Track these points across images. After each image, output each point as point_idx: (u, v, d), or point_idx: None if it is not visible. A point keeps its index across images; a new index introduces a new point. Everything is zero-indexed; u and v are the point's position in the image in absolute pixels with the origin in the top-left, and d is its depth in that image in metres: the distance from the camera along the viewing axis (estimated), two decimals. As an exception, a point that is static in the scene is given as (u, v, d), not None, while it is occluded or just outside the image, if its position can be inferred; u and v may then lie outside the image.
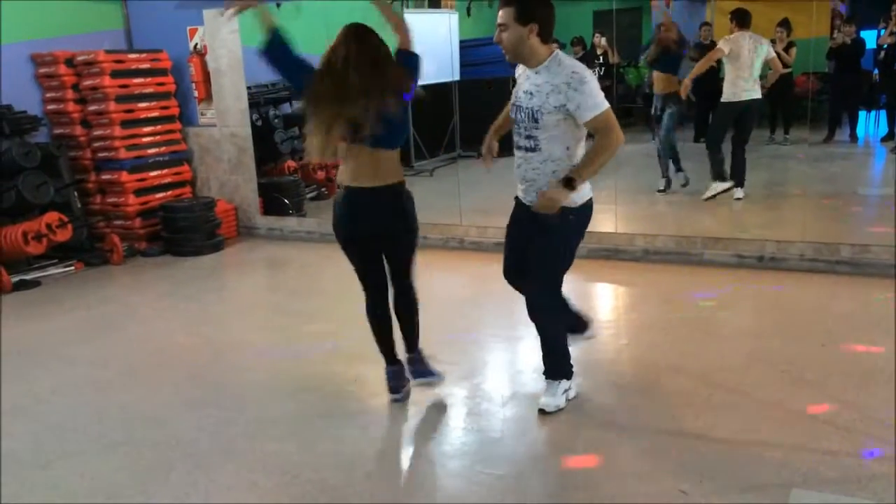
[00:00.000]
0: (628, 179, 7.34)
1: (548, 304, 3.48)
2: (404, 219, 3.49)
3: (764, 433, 3.27)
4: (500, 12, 3.18)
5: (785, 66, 8.06)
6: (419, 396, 3.81)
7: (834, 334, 4.34)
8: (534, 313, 3.49)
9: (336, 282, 5.92)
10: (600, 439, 3.33)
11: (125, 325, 5.23)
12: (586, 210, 3.34)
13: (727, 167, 7.08)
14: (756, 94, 7.01)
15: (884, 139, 8.57)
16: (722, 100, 7.04)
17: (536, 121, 3.20)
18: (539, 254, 3.39)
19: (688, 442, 3.25)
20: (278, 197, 7.62)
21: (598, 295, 5.56)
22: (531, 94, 3.23)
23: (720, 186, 7.06)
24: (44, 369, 4.45)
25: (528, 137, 3.26)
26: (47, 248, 6.23)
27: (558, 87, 3.14)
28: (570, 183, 3.13)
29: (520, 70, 3.39)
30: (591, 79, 3.14)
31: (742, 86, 6.94)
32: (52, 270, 6.48)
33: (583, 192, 3.27)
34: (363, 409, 3.74)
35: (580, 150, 3.27)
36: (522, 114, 3.26)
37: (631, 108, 9.98)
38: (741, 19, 6.95)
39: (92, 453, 3.43)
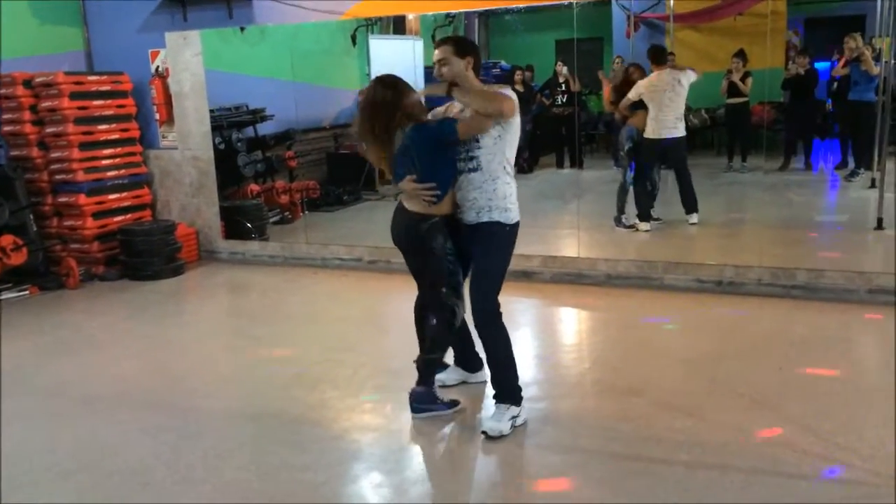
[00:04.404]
0: (591, 205, 7.44)
1: (492, 314, 3.59)
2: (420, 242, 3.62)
3: (723, 457, 3.31)
4: (438, 50, 3.54)
5: (742, 95, 8.26)
6: (380, 422, 3.79)
7: (791, 358, 4.41)
8: (479, 327, 3.62)
9: (299, 306, 5.89)
10: (560, 464, 3.33)
11: (81, 350, 5.12)
12: (516, 228, 3.64)
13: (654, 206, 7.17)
14: (678, 132, 7.06)
15: (837, 167, 8.78)
16: (645, 135, 7.15)
17: (478, 140, 3.51)
18: (482, 265, 3.60)
19: (648, 466, 3.27)
20: (240, 221, 7.54)
21: (561, 319, 5.60)
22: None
23: (641, 225, 7.11)
24: (-5, 396, 4.34)
25: (470, 159, 3.53)
26: (1, 271, 6.10)
27: None
28: (454, 85, 3.46)
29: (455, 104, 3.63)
30: (509, 93, 3.49)
31: (663, 123, 7.02)
32: (6, 295, 6.33)
33: (515, 213, 3.61)
34: (324, 435, 3.70)
35: (510, 169, 3.59)
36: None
37: (593, 134, 10.09)
38: (655, 57, 7.07)
39: (45, 483, 3.34)
